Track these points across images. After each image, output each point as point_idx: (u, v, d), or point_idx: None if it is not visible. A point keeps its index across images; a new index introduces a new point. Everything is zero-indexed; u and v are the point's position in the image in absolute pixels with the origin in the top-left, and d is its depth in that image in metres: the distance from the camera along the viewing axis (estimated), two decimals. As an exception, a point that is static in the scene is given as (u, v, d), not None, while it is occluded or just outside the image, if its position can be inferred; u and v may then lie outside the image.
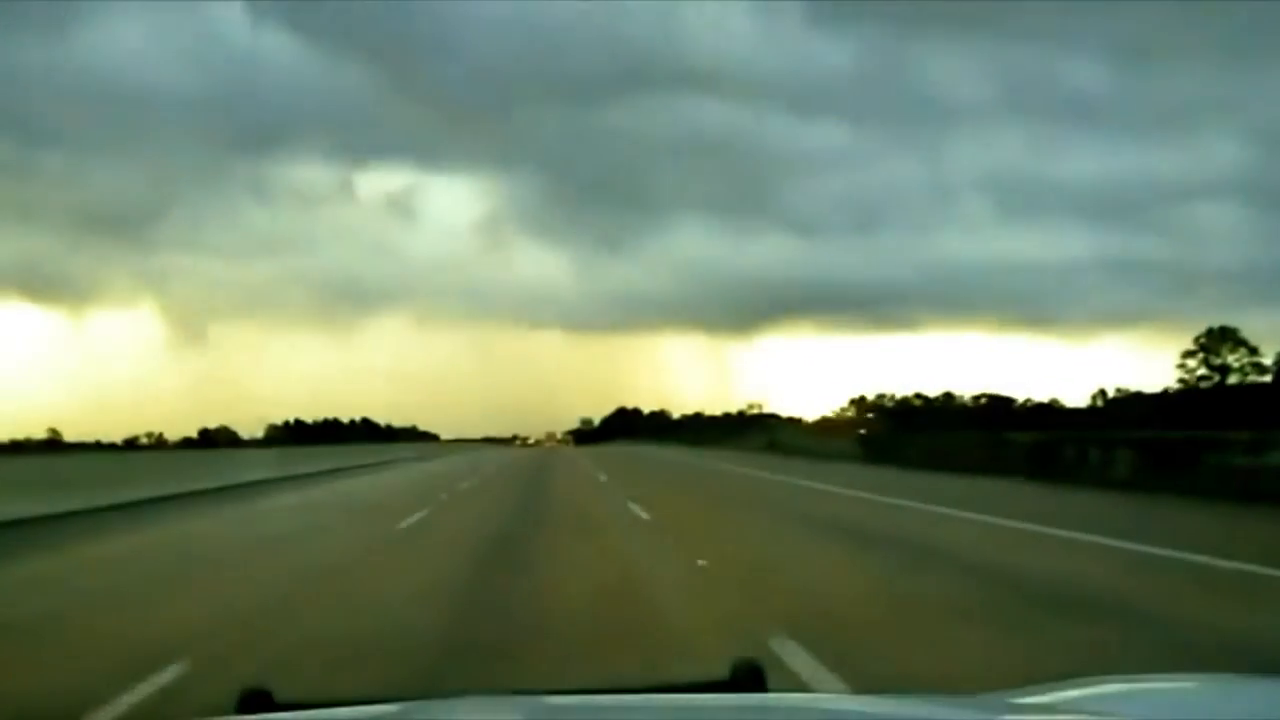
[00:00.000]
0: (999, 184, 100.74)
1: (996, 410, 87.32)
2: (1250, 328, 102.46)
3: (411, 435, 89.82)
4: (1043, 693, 1.82)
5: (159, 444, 65.03)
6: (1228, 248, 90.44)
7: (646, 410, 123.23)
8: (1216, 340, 64.17)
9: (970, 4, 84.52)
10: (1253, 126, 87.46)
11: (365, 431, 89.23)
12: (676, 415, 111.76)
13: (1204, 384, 63.69)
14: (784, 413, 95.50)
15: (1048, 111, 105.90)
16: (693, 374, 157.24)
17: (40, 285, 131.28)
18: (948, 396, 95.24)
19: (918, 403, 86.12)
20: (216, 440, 77.06)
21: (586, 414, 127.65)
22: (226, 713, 1.73)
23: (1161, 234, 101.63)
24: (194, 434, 76.40)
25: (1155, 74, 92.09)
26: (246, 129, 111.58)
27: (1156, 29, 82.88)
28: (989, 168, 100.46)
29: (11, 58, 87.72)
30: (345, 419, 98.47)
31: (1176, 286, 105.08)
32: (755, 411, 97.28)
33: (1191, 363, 64.81)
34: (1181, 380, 64.69)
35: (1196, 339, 64.28)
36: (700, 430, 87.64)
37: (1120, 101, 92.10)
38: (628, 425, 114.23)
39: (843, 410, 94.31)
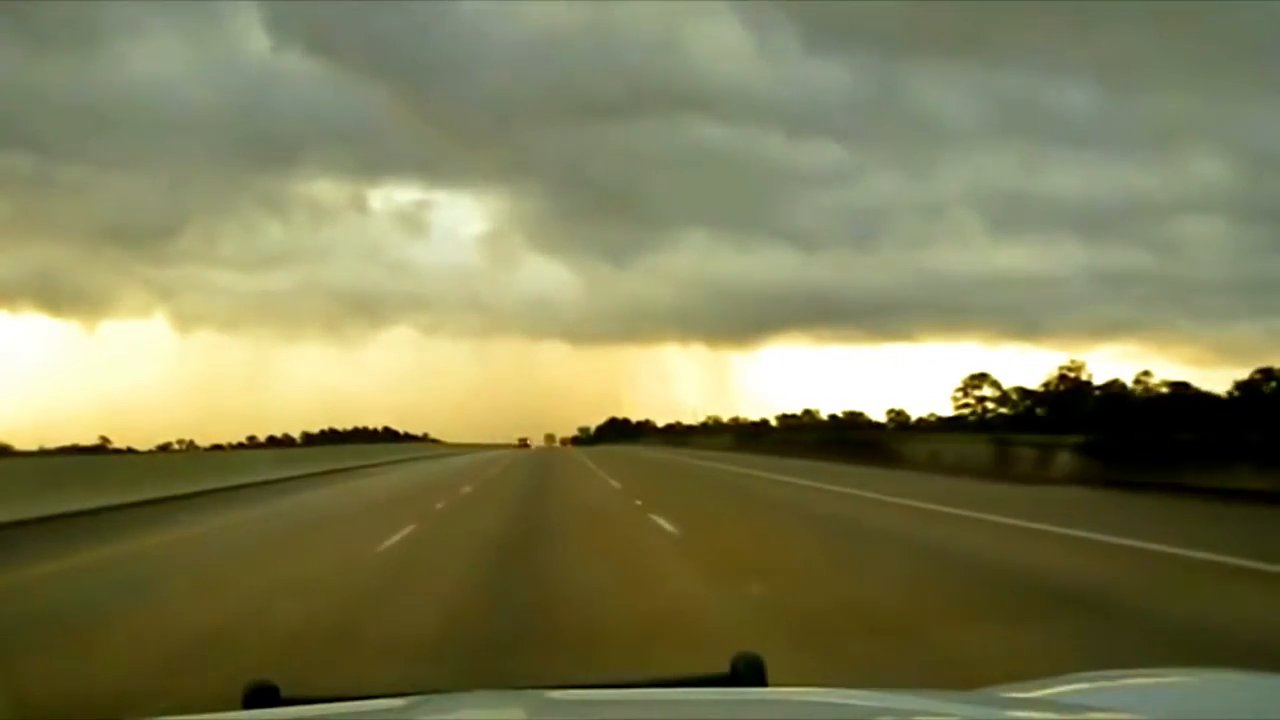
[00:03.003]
0: (991, 200, 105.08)
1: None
2: (1237, 336, 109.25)
3: (424, 441, 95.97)
4: (1040, 687, 1.85)
5: (191, 449, 72.03)
6: (1214, 261, 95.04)
7: (640, 418, 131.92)
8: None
9: (960, 30, 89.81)
10: (1233, 145, 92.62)
11: (385, 437, 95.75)
12: (675, 424, 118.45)
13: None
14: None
15: (1037, 131, 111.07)
16: (690, 384, 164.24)
17: (58, 296, 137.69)
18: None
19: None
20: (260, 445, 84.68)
21: (584, 421, 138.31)
22: (233, 707, 1.78)
23: (1150, 248, 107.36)
24: (220, 441, 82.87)
25: (1140, 95, 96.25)
26: (263, 146, 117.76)
27: (1139, 53, 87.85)
28: (981, 185, 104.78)
29: (38, 75, 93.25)
30: (361, 426, 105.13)
31: (1166, 298, 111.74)
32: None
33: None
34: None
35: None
36: (684, 434, 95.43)
37: (1106, 122, 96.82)
38: (620, 431, 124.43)
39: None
